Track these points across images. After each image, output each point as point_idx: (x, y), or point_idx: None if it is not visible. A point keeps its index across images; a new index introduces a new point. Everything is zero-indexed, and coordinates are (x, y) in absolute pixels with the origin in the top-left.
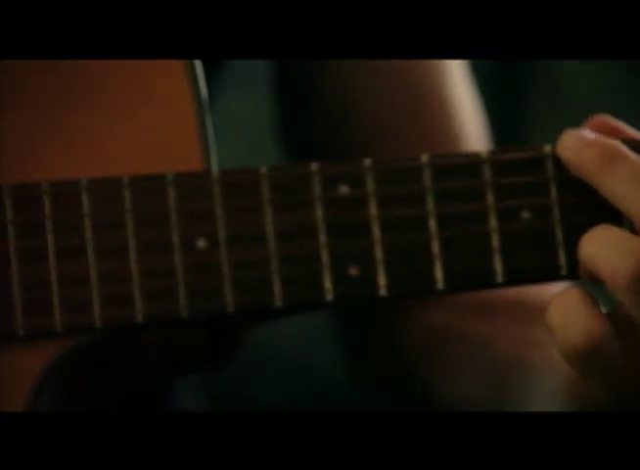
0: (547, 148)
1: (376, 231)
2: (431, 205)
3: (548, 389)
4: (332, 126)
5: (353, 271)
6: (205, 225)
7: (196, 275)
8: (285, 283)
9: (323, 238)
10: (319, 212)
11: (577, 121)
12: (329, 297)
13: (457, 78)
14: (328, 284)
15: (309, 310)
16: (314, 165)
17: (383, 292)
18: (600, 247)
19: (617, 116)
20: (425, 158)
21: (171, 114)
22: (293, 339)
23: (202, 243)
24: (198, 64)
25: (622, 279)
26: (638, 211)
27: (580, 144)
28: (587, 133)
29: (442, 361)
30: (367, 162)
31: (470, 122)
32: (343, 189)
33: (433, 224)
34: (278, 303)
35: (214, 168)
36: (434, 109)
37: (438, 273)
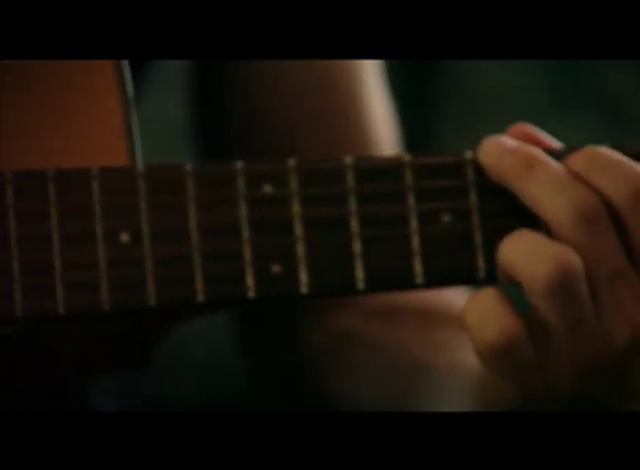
0: (468, 154)
1: (298, 230)
2: (353, 205)
3: (453, 390)
4: (246, 126)
5: (276, 269)
6: (128, 220)
7: (118, 269)
8: (207, 279)
9: (246, 235)
10: (243, 210)
11: (494, 123)
12: (251, 294)
13: (372, 81)
14: (250, 281)
15: (231, 307)
16: (239, 164)
17: (304, 290)
18: (518, 251)
19: (536, 116)
20: (348, 159)
21: (99, 111)
22: (194, 338)
23: (125, 237)
24: (125, 63)
25: (539, 283)
26: (555, 217)
27: (501, 150)
28: (508, 140)
29: (344, 364)
30: (291, 162)
31: (382, 126)
32: (267, 188)
33: (355, 225)
34: (200, 298)
35: (139, 164)
36: (348, 111)
37: (359, 273)
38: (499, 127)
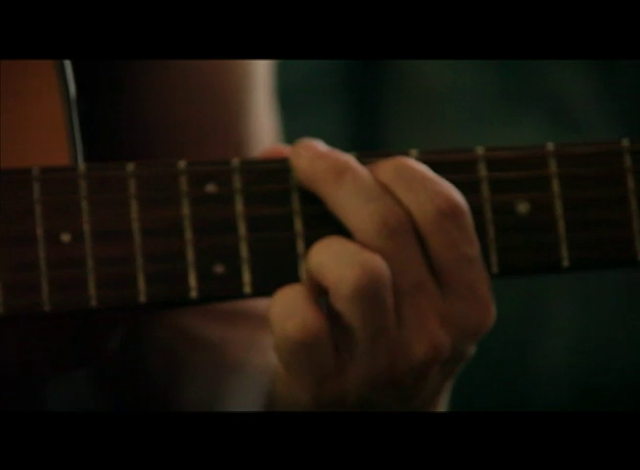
0: (413, 152)
1: (242, 229)
2: (297, 205)
3: (259, 390)
4: (133, 126)
5: (219, 269)
6: (70, 220)
7: (59, 269)
8: (149, 279)
9: (189, 235)
10: (185, 210)
11: (439, 122)
12: (193, 294)
13: (260, 88)
14: (193, 281)
15: (174, 307)
16: (182, 163)
17: (247, 290)
18: (327, 256)
19: (480, 115)
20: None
21: (40, 110)
22: None
23: (66, 237)
24: (67, 63)
25: (345, 289)
26: (360, 226)
27: (314, 154)
28: (320, 144)
29: (177, 361)
30: (235, 161)
31: (265, 134)
32: (210, 187)
33: (298, 224)
34: (142, 299)
35: (81, 164)
36: (233, 116)
37: (303, 272)
38: (444, 127)
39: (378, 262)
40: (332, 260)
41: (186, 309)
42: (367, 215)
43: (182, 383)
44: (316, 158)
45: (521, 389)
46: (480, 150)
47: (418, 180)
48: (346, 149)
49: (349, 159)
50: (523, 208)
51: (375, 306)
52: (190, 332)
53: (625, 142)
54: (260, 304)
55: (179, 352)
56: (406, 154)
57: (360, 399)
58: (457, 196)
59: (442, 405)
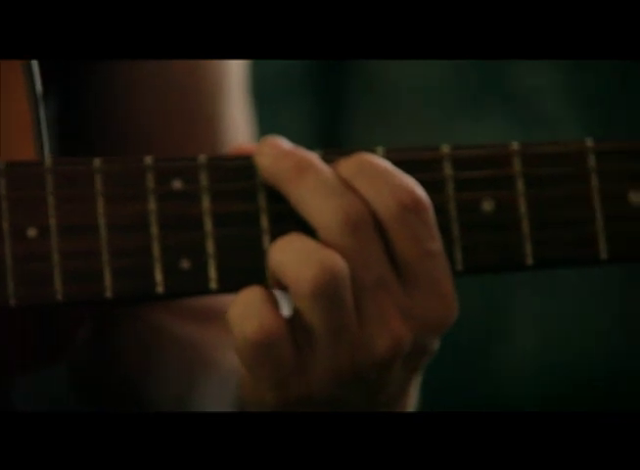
0: (379, 150)
1: (208, 225)
2: (263, 201)
3: (228, 390)
4: (105, 125)
5: (185, 264)
6: (36, 214)
7: (26, 264)
8: (115, 274)
9: (155, 231)
10: (152, 206)
11: (402, 121)
12: (159, 289)
13: (235, 89)
14: (159, 276)
15: (141, 302)
16: (148, 159)
17: (213, 285)
18: (287, 254)
19: (443, 114)
20: None
21: (7, 107)
22: None
23: (32, 232)
24: (34, 61)
25: (305, 287)
26: (322, 223)
27: (276, 152)
28: (284, 142)
29: (151, 358)
30: (202, 158)
31: (240, 136)
32: (177, 183)
33: (264, 221)
34: (108, 294)
35: (47, 158)
36: (208, 118)
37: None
38: (410, 123)
39: (336, 260)
40: (291, 258)
41: (160, 307)
42: (329, 212)
43: (154, 379)
44: (279, 156)
45: (485, 386)
46: (445, 148)
47: (380, 175)
48: (313, 145)
49: (312, 156)
50: (487, 206)
51: (334, 305)
52: (164, 329)
53: (589, 142)
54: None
55: (153, 348)
56: (372, 151)
57: (327, 397)
58: (419, 191)
59: (411, 400)
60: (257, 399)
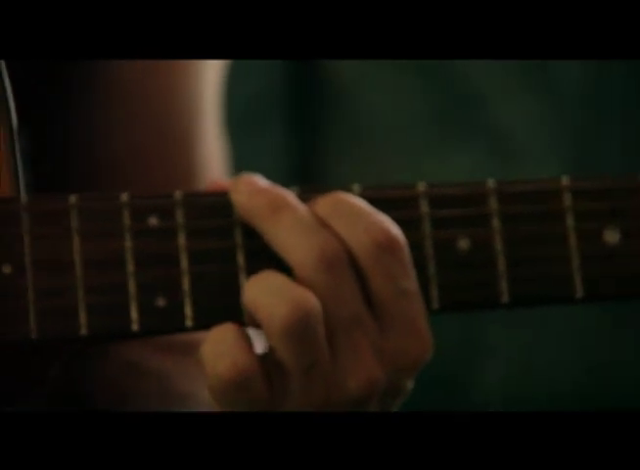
0: (355, 188)
1: (184, 263)
2: (239, 238)
3: None
4: (77, 149)
5: (160, 302)
6: (11, 251)
7: (0, 301)
8: (91, 312)
9: (131, 268)
10: (127, 243)
11: (377, 152)
12: (135, 327)
13: (210, 114)
14: (134, 314)
15: (116, 340)
16: (124, 196)
17: (189, 323)
18: (260, 291)
19: (419, 145)
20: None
21: None
22: None
23: (7, 269)
24: (9, 92)
25: (277, 325)
26: (298, 260)
27: (252, 189)
28: (260, 179)
29: (127, 395)
30: (178, 194)
31: (214, 162)
32: (153, 220)
33: (241, 258)
34: (83, 331)
35: (23, 195)
36: (183, 143)
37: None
38: (382, 156)
39: (309, 298)
40: (264, 296)
41: (135, 341)
42: (304, 249)
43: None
44: (255, 193)
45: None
46: (421, 186)
47: (355, 214)
48: (286, 177)
49: (288, 194)
50: (463, 244)
51: (305, 343)
52: (138, 364)
53: (565, 180)
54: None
55: (126, 384)
56: (348, 189)
57: None
58: (395, 229)
59: None
60: None
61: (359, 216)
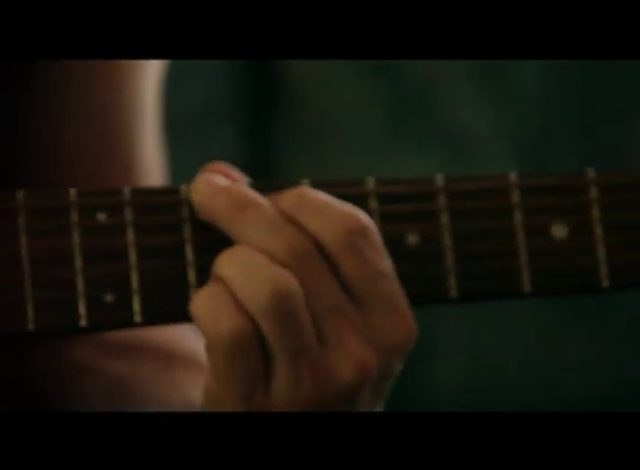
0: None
1: (132, 258)
2: (188, 233)
3: None
4: (21, 141)
5: (109, 298)
6: None
7: None
8: (38, 308)
9: (79, 264)
10: (75, 239)
11: (335, 153)
12: (83, 322)
13: (149, 114)
14: (82, 310)
15: (64, 336)
16: (72, 193)
17: (138, 319)
18: (238, 269)
19: (377, 146)
20: (184, 188)
21: None
22: None
23: None
24: None
25: (260, 306)
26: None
27: (212, 189)
28: (219, 179)
29: (77, 396)
30: (126, 191)
31: (152, 162)
32: (101, 216)
33: (190, 252)
34: (31, 327)
35: None
36: (122, 143)
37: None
38: (336, 158)
39: (290, 278)
40: (243, 274)
41: (89, 343)
42: (273, 248)
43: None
44: (216, 193)
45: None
46: (370, 183)
47: (321, 205)
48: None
49: (249, 192)
50: (412, 239)
51: (290, 323)
52: (91, 366)
53: (513, 177)
54: (170, 339)
55: (77, 385)
56: (297, 184)
57: None
58: (364, 215)
59: None
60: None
61: (326, 207)
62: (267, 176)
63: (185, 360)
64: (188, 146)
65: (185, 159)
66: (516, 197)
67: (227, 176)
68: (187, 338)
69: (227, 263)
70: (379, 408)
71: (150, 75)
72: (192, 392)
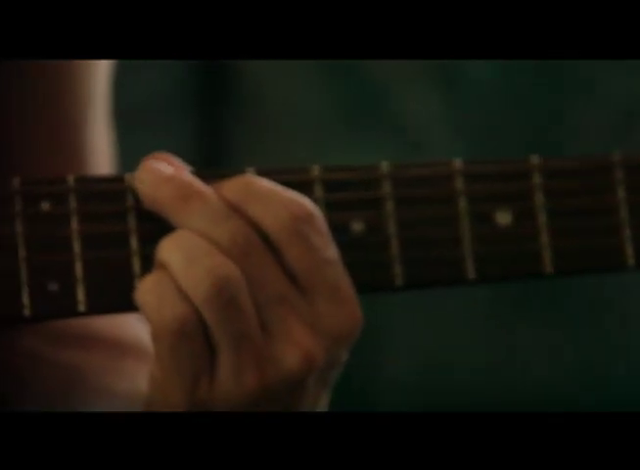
0: (249, 171)
1: (76, 248)
2: (132, 222)
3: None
4: None
5: (52, 287)
6: None
7: None
8: None
9: (22, 253)
10: (19, 228)
11: (282, 141)
12: (27, 312)
13: (99, 104)
14: (26, 299)
15: (8, 325)
16: (16, 182)
17: (82, 308)
18: (179, 257)
19: (326, 136)
20: (129, 177)
21: None
22: None
23: None
24: None
25: (200, 289)
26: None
27: (156, 178)
28: (164, 167)
29: (24, 383)
30: (70, 180)
31: (102, 151)
32: (45, 205)
33: (134, 242)
34: None
35: None
36: (72, 133)
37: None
38: (288, 149)
39: (231, 267)
40: (184, 261)
41: (42, 334)
42: (216, 238)
43: (23, 401)
44: (161, 182)
45: (362, 407)
46: (315, 170)
47: (266, 193)
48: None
49: (194, 181)
50: (357, 227)
51: (232, 312)
52: (37, 354)
53: (457, 164)
54: (117, 329)
55: (26, 373)
56: (242, 172)
57: (245, 410)
58: (309, 202)
59: None
60: (164, 403)
61: (271, 195)
62: (220, 166)
63: (135, 350)
64: (139, 138)
65: (136, 150)
66: (460, 184)
67: (171, 165)
68: (137, 327)
69: (169, 249)
70: (325, 398)
71: (100, 65)
72: (140, 381)
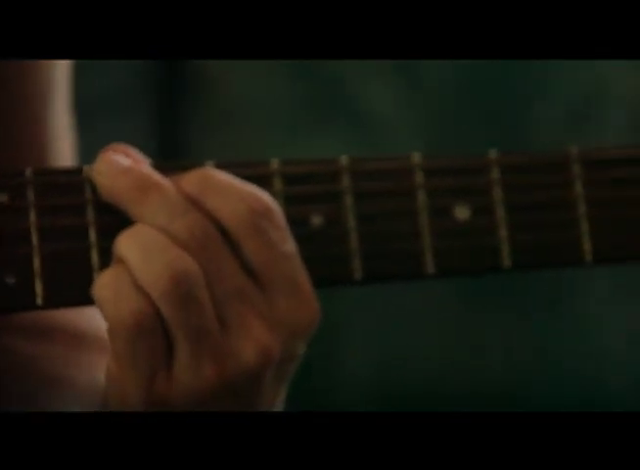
0: (209, 163)
1: (34, 240)
2: (91, 215)
3: (90, 405)
4: None
5: (10, 280)
6: None
7: None
8: None
9: None
10: None
11: (241, 131)
12: None
13: (60, 93)
14: None
15: None
16: None
17: (40, 301)
18: (137, 252)
19: (287, 128)
20: (87, 170)
21: None
22: None
23: None
24: None
25: (158, 284)
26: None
27: (114, 170)
28: (122, 159)
29: None
30: (28, 172)
31: (63, 143)
32: (3, 198)
33: (93, 234)
34: None
35: None
36: (33, 116)
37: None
38: (249, 141)
39: (188, 261)
40: (141, 256)
41: (4, 326)
42: (173, 232)
43: None
44: (118, 174)
45: (321, 402)
46: (274, 163)
47: (225, 187)
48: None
49: (152, 173)
50: (316, 220)
51: (189, 306)
52: (8, 349)
53: (417, 158)
54: (77, 320)
55: None
56: (201, 165)
57: (192, 409)
58: (267, 195)
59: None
60: (122, 398)
61: (230, 188)
62: (179, 159)
63: (95, 343)
64: (97, 130)
65: (95, 143)
66: (419, 178)
67: (129, 157)
68: (97, 320)
69: (126, 244)
70: (283, 390)
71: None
72: (101, 373)
